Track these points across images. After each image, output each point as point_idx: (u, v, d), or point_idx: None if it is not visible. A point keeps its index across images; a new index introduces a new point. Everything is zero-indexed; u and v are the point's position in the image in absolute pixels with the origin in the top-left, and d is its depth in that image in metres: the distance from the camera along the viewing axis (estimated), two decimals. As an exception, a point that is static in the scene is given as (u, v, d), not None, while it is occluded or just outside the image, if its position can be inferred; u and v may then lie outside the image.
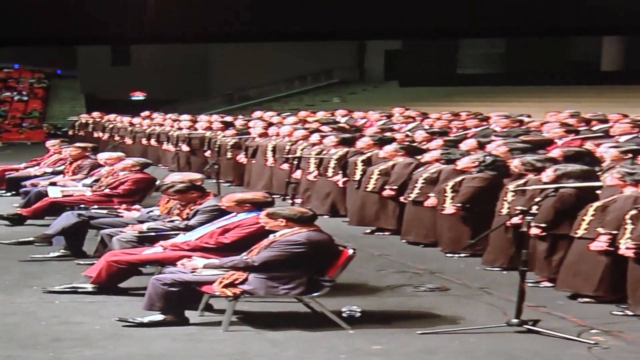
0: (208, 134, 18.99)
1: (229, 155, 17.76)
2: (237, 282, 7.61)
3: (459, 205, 10.90)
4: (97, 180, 13.00)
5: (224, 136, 18.25)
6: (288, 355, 7.11)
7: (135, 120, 24.51)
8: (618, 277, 8.44)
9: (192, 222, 9.37)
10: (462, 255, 10.90)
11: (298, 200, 14.06)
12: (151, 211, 10.56)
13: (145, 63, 45.41)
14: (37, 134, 31.97)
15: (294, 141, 15.74)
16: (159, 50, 43.36)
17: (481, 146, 12.16)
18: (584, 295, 8.83)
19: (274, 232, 7.88)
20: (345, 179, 13.62)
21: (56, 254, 10.44)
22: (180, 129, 20.55)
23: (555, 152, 11.09)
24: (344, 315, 8.11)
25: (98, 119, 26.41)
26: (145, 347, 7.13)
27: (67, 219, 10.59)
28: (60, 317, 7.99)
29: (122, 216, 10.56)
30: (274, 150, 16.24)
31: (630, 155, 10.15)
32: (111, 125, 24.68)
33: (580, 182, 9.18)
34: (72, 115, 35.48)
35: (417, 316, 8.34)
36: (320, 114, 21.53)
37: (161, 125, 22.17)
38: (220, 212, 8.93)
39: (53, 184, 13.23)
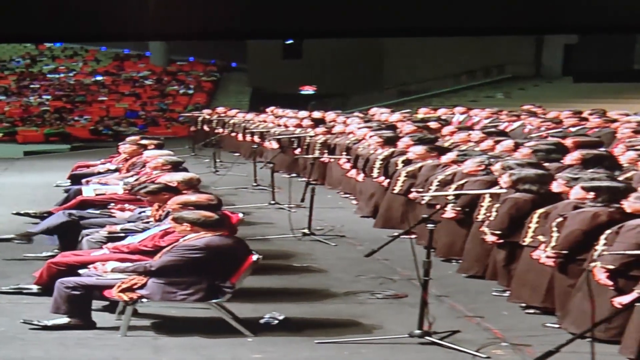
0: (298, 131, 19.43)
1: (316, 153, 18.07)
2: (135, 286, 8.05)
3: (459, 209, 10.89)
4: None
5: (313, 134, 18.63)
6: (160, 362, 7.53)
7: (249, 116, 25.29)
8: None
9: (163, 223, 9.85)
10: (460, 260, 10.88)
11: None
12: (143, 211, 11.03)
13: (316, 57, 46.21)
14: (183, 128, 33.14)
15: (357, 140, 16.00)
16: (331, 44, 44.03)
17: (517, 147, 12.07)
18: (533, 306, 8.76)
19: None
20: (388, 180, 13.76)
21: (49, 253, 11.05)
22: (279, 126, 21.12)
23: (574, 156, 10.96)
24: (261, 322, 8.42)
25: (222, 115, 27.37)
26: (26, 351, 7.64)
27: (57, 218, 11.28)
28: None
29: (114, 216, 11.14)
30: (343, 150, 16.56)
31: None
32: (232, 121, 25.57)
33: (536, 186, 9.11)
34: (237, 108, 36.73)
35: (338, 324, 8.55)
36: (423, 111, 21.69)
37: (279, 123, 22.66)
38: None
39: (88, 182, 13.98)
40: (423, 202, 11.78)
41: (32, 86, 43.49)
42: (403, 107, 28.22)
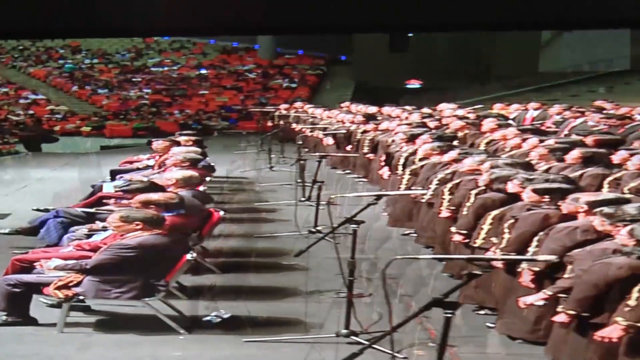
0: (353, 127, 19.57)
1: (365, 149, 18.21)
2: (71, 284, 8.41)
3: (453, 208, 10.90)
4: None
5: (364, 131, 18.77)
6: (82, 357, 7.85)
7: (317, 111, 25.49)
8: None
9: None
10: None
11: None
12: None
13: (423, 50, 46.00)
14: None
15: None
16: (437, 36, 43.86)
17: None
18: (488, 307, 8.81)
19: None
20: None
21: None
22: (337, 121, 21.31)
23: (573, 154, 10.94)
24: (204, 319, 8.70)
25: (301, 110, 27.68)
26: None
27: (44, 217, 11.76)
28: None
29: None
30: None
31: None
32: (305, 117, 25.85)
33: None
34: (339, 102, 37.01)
35: (280, 323, 8.78)
36: (498, 107, 21.56)
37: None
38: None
39: (121, 178, 14.45)
40: (423, 200, 11.84)
41: (133, 79, 44.64)
42: (506, 101, 28.06)
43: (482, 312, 8.86)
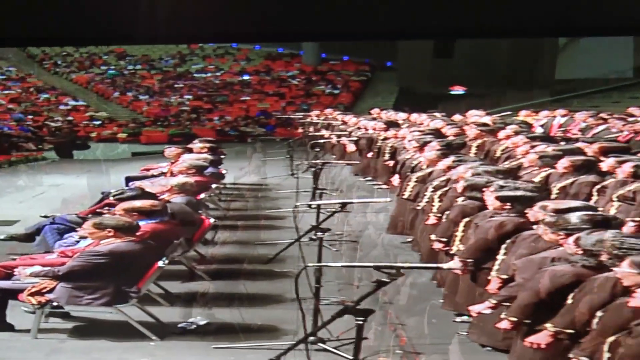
0: (376, 134, 19.65)
1: (385, 157, 18.26)
2: (44, 290, 8.61)
3: (439, 215, 10.97)
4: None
5: (385, 138, 18.84)
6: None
7: (347, 118, 25.58)
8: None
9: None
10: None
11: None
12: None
13: (468, 56, 45.84)
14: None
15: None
16: (483, 43, 43.66)
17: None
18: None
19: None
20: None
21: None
22: (359, 128, 21.39)
23: (564, 163, 11.01)
24: (179, 326, 8.86)
25: (330, 116, 27.81)
26: None
27: (39, 224, 11.98)
28: None
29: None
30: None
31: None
32: (334, 124, 25.96)
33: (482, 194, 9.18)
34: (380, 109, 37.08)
35: (253, 330, 8.87)
36: (524, 113, 21.59)
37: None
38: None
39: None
40: (419, 207, 11.91)
41: (175, 86, 45.01)
42: (548, 107, 27.98)
43: (458, 319, 8.89)
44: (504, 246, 7.94)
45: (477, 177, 9.61)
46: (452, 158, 12.01)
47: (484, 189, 9.03)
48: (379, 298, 9.78)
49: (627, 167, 10.23)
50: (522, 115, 22.03)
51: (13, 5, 5.38)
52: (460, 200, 9.87)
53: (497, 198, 8.42)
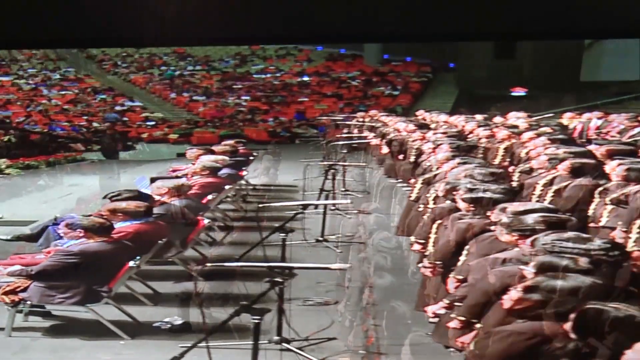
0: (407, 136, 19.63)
1: (411, 158, 18.24)
2: (18, 289, 8.82)
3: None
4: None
5: (414, 139, 18.82)
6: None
7: (387, 119, 25.57)
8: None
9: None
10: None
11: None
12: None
13: (530, 57, 45.53)
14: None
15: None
16: (545, 44, 43.29)
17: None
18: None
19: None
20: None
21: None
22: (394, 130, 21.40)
23: (563, 165, 10.95)
24: (153, 326, 9.01)
25: (375, 118, 27.82)
26: None
27: (48, 222, 12.21)
28: None
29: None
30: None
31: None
32: (376, 125, 25.97)
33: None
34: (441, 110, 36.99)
35: (226, 330, 8.92)
36: (568, 116, 21.44)
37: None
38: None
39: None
40: (419, 209, 11.91)
41: (234, 87, 45.34)
42: (603, 109, 27.72)
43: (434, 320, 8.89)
44: (467, 247, 7.95)
45: (456, 179, 9.60)
46: (456, 160, 11.99)
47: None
48: (363, 299, 9.86)
49: (620, 170, 10.10)
50: (567, 117, 21.79)
51: (13, 5, 5.52)
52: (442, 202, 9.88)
53: (463, 200, 8.43)
